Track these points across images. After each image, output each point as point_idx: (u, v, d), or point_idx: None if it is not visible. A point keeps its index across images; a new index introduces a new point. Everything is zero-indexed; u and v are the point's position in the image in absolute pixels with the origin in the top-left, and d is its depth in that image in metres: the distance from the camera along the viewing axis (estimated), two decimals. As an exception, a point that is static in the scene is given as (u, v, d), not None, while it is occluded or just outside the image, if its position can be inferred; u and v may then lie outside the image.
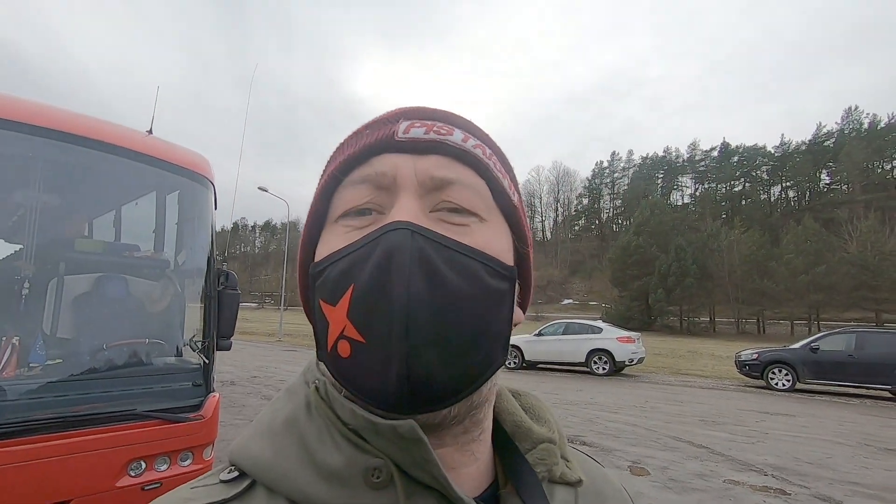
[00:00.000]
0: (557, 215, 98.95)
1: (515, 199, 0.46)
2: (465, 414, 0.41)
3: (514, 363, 14.69)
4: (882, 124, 66.49)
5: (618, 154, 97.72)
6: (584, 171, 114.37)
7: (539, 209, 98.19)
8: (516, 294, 0.43)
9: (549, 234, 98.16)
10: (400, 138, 0.42)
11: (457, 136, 0.43)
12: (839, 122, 72.29)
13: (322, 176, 0.47)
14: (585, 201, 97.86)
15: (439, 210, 0.41)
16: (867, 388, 11.46)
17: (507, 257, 0.43)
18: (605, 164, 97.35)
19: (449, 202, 0.41)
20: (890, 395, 10.93)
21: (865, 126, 68.51)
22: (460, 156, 0.43)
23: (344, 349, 0.37)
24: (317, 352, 0.42)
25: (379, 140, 0.43)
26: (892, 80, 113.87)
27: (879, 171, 66.16)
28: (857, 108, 71.32)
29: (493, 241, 0.42)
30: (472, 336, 0.37)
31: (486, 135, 0.47)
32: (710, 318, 52.68)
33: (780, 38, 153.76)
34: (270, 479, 0.39)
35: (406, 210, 0.39)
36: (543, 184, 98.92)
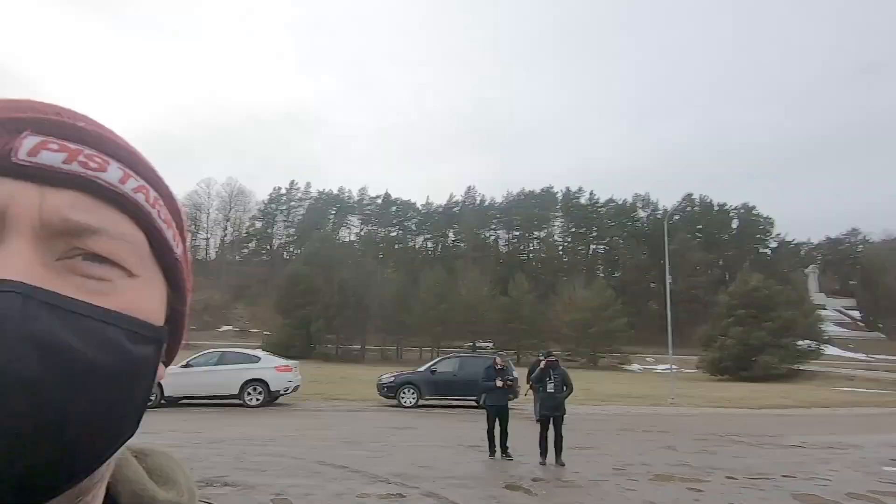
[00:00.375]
0: (226, 234, 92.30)
1: (179, 251, 0.38)
2: (68, 501, 0.32)
3: (151, 400, 12.43)
4: (486, 203, 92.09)
5: (296, 184, 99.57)
6: (261, 193, 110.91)
7: (205, 225, 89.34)
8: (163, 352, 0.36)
9: (213, 254, 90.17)
10: (21, 161, 0.30)
11: (112, 174, 0.33)
12: (463, 195, 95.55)
13: None
14: (259, 224, 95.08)
15: (71, 258, 0.31)
16: (464, 399, 14.97)
17: (158, 317, 0.36)
18: (284, 191, 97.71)
19: (83, 250, 0.32)
20: (476, 405, 14.56)
21: (478, 201, 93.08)
22: (114, 199, 0.33)
23: None
24: None
25: None
26: (495, 172, 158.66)
27: (482, 237, 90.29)
28: (474, 187, 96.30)
29: (142, 300, 0.34)
30: (99, 418, 0.30)
31: (152, 168, 0.38)
32: (361, 346, 58.67)
33: (433, 120, 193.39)
34: None
35: (17, 260, 0.29)
36: (214, 199, 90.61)
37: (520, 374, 11.01)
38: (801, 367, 39.27)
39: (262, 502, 5.43)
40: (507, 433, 8.19)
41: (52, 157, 0.31)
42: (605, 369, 46.57)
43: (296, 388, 14.77)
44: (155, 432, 8.72)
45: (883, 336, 63.21)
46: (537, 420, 8.38)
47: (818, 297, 66.67)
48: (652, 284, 70.74)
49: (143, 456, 0.44)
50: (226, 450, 8.02)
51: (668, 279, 24.64)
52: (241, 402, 13.36)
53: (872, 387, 29.16)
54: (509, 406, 8.60)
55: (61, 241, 0.31)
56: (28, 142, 0.31)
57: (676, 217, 78.15)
